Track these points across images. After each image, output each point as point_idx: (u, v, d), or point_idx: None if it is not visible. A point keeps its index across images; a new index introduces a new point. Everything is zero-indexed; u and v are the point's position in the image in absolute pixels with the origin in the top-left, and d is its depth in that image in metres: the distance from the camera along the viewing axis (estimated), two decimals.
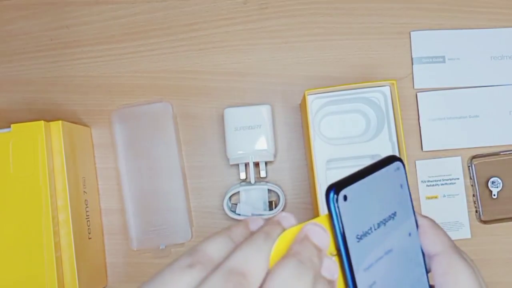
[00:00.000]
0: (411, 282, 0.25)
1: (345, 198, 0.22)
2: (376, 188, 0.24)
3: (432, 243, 0.26)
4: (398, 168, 0.25)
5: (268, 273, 0.20)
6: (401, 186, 0.25)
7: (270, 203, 0.51)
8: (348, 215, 0.22)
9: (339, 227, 0.22)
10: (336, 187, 0.22)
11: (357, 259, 0.22)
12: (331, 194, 0.22)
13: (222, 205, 0.50)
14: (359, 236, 0.23)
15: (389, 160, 0.25)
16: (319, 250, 0.21)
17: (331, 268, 0.22)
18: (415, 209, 0.26)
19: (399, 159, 0.25)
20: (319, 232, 0.22)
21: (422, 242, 0.26)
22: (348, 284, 0.22)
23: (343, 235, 0.22)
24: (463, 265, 0.25)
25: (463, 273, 0.24)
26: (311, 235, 0.22)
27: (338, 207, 0.22)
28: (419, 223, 0.26)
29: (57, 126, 0.46)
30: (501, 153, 0.52)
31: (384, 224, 0.24)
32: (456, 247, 0.26)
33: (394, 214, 0.25)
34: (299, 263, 0.20)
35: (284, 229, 0.22)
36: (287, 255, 0.20)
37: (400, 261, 0.25)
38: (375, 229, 0.23)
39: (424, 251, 0.26)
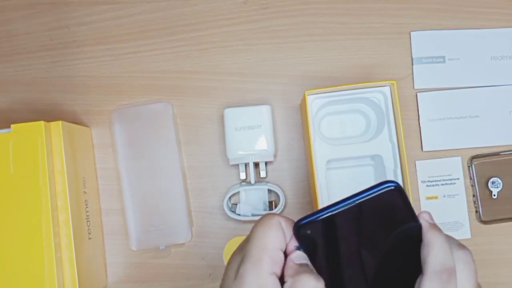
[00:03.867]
0: None
1: (308, 230, 0.25)
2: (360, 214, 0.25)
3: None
4: (392, 193, 0.25)
5: None
6: (396, 207, 0.25)
7: (270, 203, 0.51)
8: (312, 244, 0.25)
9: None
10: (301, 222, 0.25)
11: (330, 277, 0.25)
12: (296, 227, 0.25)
13: (222, 205, 0.50)
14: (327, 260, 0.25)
15: (381, 185, 0.25)
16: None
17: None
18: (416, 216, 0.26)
19: (392, 182, 0.25)
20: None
21: (423, 255, 0.25)
22: None
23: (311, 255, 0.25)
24: (440, 237, 0.25)
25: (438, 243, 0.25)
26: None
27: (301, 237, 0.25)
28: (426, 240, 0.25)
29: (57, 126, 0.46)
30: (501, 153, 0.52)
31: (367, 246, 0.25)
32: (450, 239, 0.26)
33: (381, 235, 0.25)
34: None
35: None
36: None
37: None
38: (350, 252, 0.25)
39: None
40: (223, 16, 0.54)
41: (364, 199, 0.25)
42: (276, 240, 0.25)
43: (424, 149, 0.52)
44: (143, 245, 0.49)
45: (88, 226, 0.49)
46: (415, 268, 0.25)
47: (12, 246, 0.43)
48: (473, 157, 0.51)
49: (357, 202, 0.25)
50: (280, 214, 0.27)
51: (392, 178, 0.45)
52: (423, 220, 0.26)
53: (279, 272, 0.25)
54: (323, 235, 0.25)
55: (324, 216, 0.25)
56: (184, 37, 0.54)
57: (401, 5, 0.53)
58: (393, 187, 0.25)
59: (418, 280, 0.24)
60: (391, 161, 0.46)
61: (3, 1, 0.55)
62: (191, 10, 0.54)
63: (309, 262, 0.26)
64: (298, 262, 0.26)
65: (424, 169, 0.52)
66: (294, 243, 0.26)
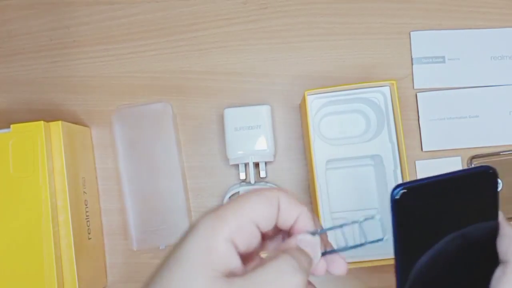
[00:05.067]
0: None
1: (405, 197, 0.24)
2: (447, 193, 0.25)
3: (504, 252, 0.27)
4: (485, 177, 0.26)
5: None
6: (485, 194, 0.26)
7: None
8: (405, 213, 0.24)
9: (393, 220, 0.24)
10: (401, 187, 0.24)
11: (406, 251, 0.25)
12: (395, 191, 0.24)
13: None
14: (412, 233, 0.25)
15: (478, 169, 0.26)
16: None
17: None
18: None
19: (490, 169, 0.26)
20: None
21: (497, 247, 0.27)
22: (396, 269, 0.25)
23: (396, 228, 0.24)
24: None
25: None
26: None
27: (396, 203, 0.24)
28: (502, 232, 0.27)
29: (57, 126, 0.46)
30: (501, 153, 0.52)
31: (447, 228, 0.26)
32: None
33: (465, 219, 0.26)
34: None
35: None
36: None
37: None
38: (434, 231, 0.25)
39: (498, 254, 0.27)
40: (222, 16, 0.54)
41: (461, 174, 0.25)
42: (259, 215, 0.23)
43: (424, 149, 0.52)
44: (143, 245, 0.49)
45: (88, 226, 0.49)
46: (489, 258, 0.26)
47: (11, 246, 0.43)
48: (473, 157, 0.51)
49: (454, 175, 0.25)
50: (286, 191, 0.25)
51: (391, 179, 0.45)
52: (500, 213, 0.28)
53: (242, 246, 0.23)
54: (417, 203, 0.25)
55: (423, 183, 0.24)
56: (184, 37, 0.54)
57: (401, 5, 0.53)
58: (491, 170, 0.26)
59: (500, 269, 0.26)
60: (391, 161, 0.46)
61: (3, 1, 0.55)
62: (191, 10, 0.54)
63: (312, 256, 0.24)
64: (301, 246, 0.24)
65: (424, 169, 0.52)
66: (306, 226, 0.24)
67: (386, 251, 0.44)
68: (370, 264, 0.43)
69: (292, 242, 0.24)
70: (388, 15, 0.53)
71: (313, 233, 0.25)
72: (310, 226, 0.25)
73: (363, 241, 0.25)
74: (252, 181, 0.49)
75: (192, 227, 0.23)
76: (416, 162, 0.52)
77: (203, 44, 0.54)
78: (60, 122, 0.46)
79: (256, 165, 0.51)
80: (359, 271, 0.50)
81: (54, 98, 0.54)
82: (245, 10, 0.54)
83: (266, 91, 0.53)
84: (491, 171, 0.26)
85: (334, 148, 0.47)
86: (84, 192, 0.49)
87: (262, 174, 0.50)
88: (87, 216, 0.49)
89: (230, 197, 0.50)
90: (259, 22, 0.54)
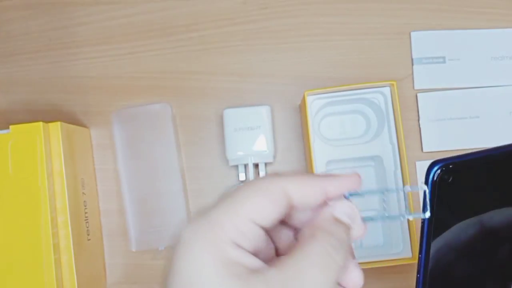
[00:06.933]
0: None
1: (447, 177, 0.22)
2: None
3: None
4: None
5: None
6: None
7: None
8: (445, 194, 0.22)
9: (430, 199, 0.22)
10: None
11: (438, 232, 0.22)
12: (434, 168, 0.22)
13: None
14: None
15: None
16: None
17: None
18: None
19: None
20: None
21: None
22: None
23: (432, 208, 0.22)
24: None
25: None
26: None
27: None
28: None
29: (56, 127, 0.46)
30: None
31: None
32: None
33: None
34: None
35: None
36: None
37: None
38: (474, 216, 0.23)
39: None
40: (222, 16, 0.53)
41: (504, 150, 0.23)
42: (261, 215, 0.20)
43: (424, 150, 0.52)
44: (143, 246, 0.49)
45: (87, 227, 0.49)
46: None
47: (10, 247, 0.43)
48: None
49: (497, 152, 0.23)
50: (293, 175, 0.21)
51: (392, 179, 0.45)
52: None
53: (249, 246, 0.19)
54: (458, 182, 0.22)
55: (464, 160, 0.22)
56: (184, 37, 0.54)
57: (401, 5, 0.53)
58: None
59: None
60: (391, 162, 0.46)
61: (2, 1, 0.55)
62: (190, 10, 0.54)
63: (351, 224, 0.21)
64: (337, 215, 0.21)
65: (425, 170, 0.51)
66: (336, 187, 0.21)
67: (384, 252, 0.44)
68: (369, 266, 0.43)
69: (325, 213, 0.21)
70: (388, 15, 0.53)
71: (350, 196, 0.22)
72: (343, 193, 0.22)
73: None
74: None
75: (179, 241, 0.19)
76: (417, 162, 0.52)
77: (203, 44, 0.53)
78: (59, 123, 0.46)
79: (256, 166, 0.50)
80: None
81: (53, 98, 0.54)
82: (245, 10, 0.53)
83: (266, 92, 0.53)
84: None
85: (334, 149, 0.46)
86: (83, 193, 0.49)
87: (262, 175, 0.50)
88: (86, 217, 0.49)
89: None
90: (259, 22, 0.53)
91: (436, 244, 0.23)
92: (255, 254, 0.20)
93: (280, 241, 0.23)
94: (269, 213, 0.20)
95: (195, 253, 0.18)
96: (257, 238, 0.20)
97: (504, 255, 0.25)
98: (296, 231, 0.24)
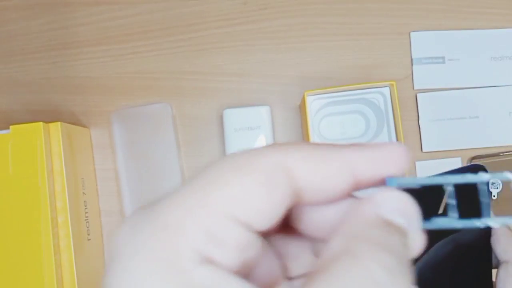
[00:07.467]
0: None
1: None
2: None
3: (502, 251, 0.26)
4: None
5: None
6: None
7: None
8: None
9: None
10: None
11: None
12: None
13: None
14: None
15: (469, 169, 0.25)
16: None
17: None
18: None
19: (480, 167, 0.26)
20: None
21: (494, 247, 0.27)
22: None
23: None
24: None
25: None
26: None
27: None
28: (496, 231, 0.27)
29: (56, 127, 0.46)
30: (501, 154, 0.52)
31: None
32: None
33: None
34: None
35: None
36: None
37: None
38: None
39: (496, 255, 0.27)
40: (222, 16, 0.53)
41: (451, 174, 0.23)
42: (242, 202, 0.12)
43: (423, 150, 0.52)
44: None
45: (87, 227, 0.49)
46: (482, 259, 0.26)
47: (10, 248, 0.43)
48: (473, 158, 0.51)
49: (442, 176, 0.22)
50: (295, 144, 0.13)
51: None
52: (491, 213, 0.27)
53: (229, 260, 0.12)
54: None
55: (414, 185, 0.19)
56: (184, 37, 0.54)
57: (401, 5, 0.53)
58: (479, 165, 0.26)
59: (502, 270, 0.26)
60: None
61: (2, 1, 0.55)
62: (190, 10, 0.54)
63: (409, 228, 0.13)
64: (387, 216, 0.12)
65: (424, 170, 0.52)
66: (370, 164, 0.13)
67: None
68: None
69: (365, 212, 0.13)
70: (388, 15, 0.53)
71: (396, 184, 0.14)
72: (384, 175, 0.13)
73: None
74: None
75: (111, 256, 0.12)
76: (416, 163, 0.52)
77: (203, 44, 0.53)
78: (59, 123, 0.46)
79: None
80: None
81: (54, 98, 0.54)
82: (245, 10, 0.54)
83: (265, 92, 0.53)
84: (481, 169, 0.26)
85: None
86: (83, 193, 0.49)
87: None
88: (86, 217, 0.49)
89: None
90: (259, 22, 0.53)
91: (419, 265, 0.24)
92: (244, 274, 0.12)
93: (290, 255, 0.15)
94: (261, 205, 0.12)
95: (134, 280, 0.11)
96: (244, 247, 0.12)
97: (477, 269, 0.26)
98: (313, 240, 0.16)
